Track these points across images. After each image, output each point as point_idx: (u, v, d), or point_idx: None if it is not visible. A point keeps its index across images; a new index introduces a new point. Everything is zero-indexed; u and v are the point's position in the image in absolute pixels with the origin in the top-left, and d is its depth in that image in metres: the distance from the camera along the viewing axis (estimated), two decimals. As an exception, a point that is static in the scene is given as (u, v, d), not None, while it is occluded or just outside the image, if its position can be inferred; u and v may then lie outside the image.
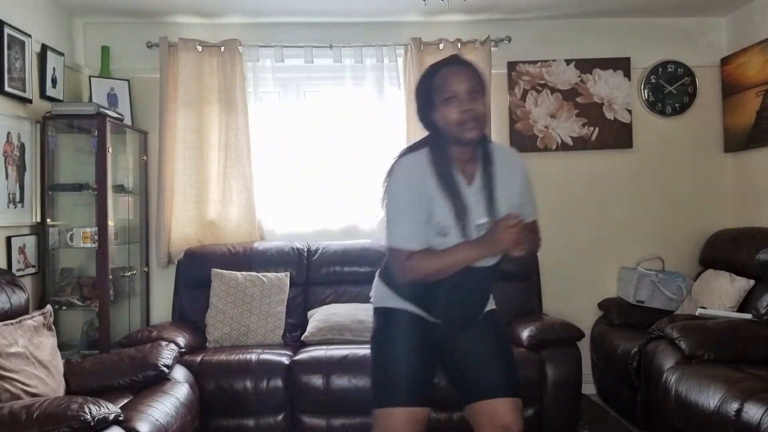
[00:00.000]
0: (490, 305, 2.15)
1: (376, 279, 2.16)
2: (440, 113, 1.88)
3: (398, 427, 1.94)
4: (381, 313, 2.11)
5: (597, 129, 4.22)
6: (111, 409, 2.19)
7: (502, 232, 1.84)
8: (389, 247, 1.97)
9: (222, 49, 4.00)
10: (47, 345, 2.62)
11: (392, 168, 1.96)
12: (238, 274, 3.71)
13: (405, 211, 1.91)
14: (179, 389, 2.80)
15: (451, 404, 3.03)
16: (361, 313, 3.47)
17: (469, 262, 1.91)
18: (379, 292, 2.13)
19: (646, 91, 4.25)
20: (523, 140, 4.21)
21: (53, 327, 2.74)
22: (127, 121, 3.95)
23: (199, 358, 3.26)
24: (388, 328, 2.07)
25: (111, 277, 3.58)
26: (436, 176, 1.90)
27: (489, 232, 1.89)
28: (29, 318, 2.62)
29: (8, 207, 3.24)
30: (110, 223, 3.55)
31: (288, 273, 3.79)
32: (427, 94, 1.91)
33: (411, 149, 2.01)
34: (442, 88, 1.87)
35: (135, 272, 3.96)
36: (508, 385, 2.02)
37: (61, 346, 2.89)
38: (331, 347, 3.36)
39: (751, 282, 3.44)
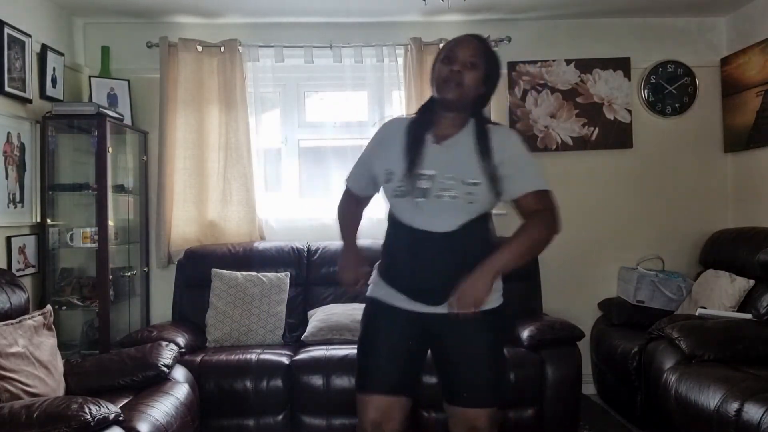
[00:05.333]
0: (494, 302, 1.99)
1: (375, 267, 2.18)
2: (436, 69, 2.01)
3: (370, 412, 2.02)
4: (368, 302, 2.15)
5: (597, 129, 4.22)
6: (111, 409, 2.19)
7: (344, 270, 2.19)
8: None
9: (222, 49, 4.00)
10: (47, 345, 2.62)
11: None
12: (238, 274, 3.71)
13: (363, 155, 2.19)
14: (179, 389, 2.80)
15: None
16: (361, 313, 3.46)
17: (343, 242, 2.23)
18: (372, 280, 2.16)
19: (646, 91, 4.25)
20: (523, 140, 4.20)
21: (53, 327, 2.74)
22: (127, 121, 3.95)
23: (199, 358, 3.26)
24: (369, 319, 2.13)
25: (111, 277, 3.58)
26: (406, 133, 2.03)
27: (346, 266, 2.19)
28: (29, 318, 2.62)
29: (8, 207, 3.24)
30: (110, 223, 3.55)
31: (288, 273, 3.78)
32: (439, 53, 2.04)
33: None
34: (448, 49, 2.01)
35: (135, 272, 3.96)
36: (488, 397, 2.00)
37: (61, 346, 2.88)
38: (331, 347, 3.36)
39: (751, 282, 3.44)
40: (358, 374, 2.11)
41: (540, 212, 1.96)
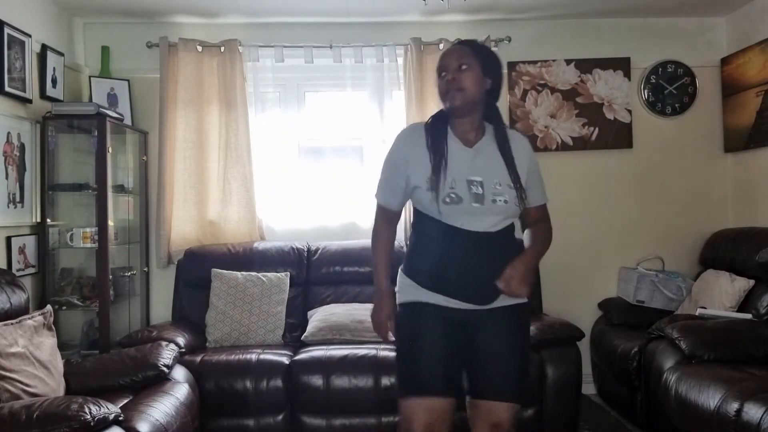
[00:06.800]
0: (521, 297, 2.07)
1: (399, 273, 2.16)
2: (437, 85, 2.10)
3: (422, 416, 2.00)
4: (403, 307, 2.12)
5: (597, 129, 4.22)
6: (111, 409, 2.20)
7: (378, 318, 2.11)
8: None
9: (222, 49, 4.00)
10: (47, 345, 2.62)
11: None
12: (238, 274, 3.71)
13: (386, 170, 2.14)
14: (179, 389, 2.80)
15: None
16: (361, 313, 3.47)
17: (375, 279, 2.15)
18: (401, 285, 2.14)
19: (646, 91, 4.25)
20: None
21: (53, 327, 2.74)
22: (127, 121, 3.95)
23: (199, 358, 3.26)
24: (409, 322, 2.10)
25: (111, 277, 3.57)
26: (427, 138, 2.06)
27: (380, 311, 2.12)
28: (29, 318, 2.62)
29: (8, 207, 3.24)
30: (110, 223, 3.55)
31: (288, 273, 3.78)
32: (437, 74, 2.11)
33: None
34: (439, 65, 2.10)
35: (135, 272, 3.96)
36: (514, 392, 2.06)
37: (61, 346, 2.89)
38: (331, 347, 3.36)
39: (751, 282, 3.44)
40: (405, 379, 2.08)
41: (543, 221, 2.19)
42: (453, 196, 1.98)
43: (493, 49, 4.08)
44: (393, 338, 2.12)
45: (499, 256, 2.02)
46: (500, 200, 2.00)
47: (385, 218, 2.18)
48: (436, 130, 2.08)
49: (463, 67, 2.03)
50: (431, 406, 2.00)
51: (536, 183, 2.15)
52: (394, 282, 2.17)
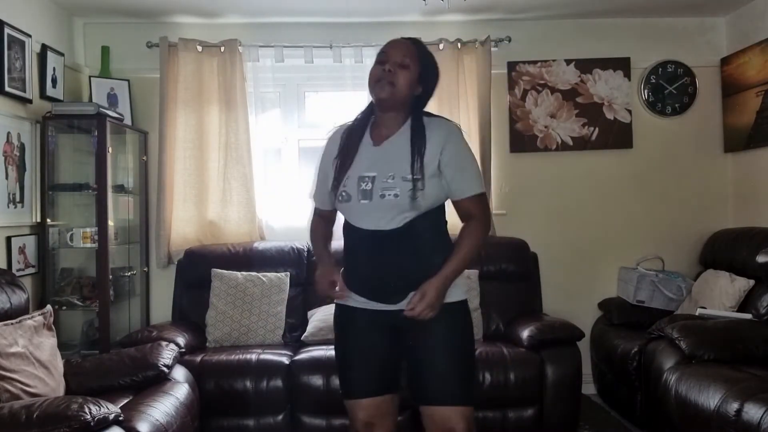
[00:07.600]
0: (455, 295, 2.01)
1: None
2: (371, 72, 2.05)
3: (360, 415, 2.05)
4: (336, 308, 2.16)
5: (597, 129, 4.22)
6: (111, 409, 2.19)
7: (320, 279, 2.08)
8: None
9: (222, 49, 4.00)
10: (47, 345, 2.62)
11: None
12: (238, 274, 3.71)
13: (318, 169, 2.18)
14: (179, 389, 2.80)
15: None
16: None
17: (317, 261, 2.19)
18: (339, 285, 2.14)
19: (646, 91, 4.25)
20: (523, 140, 4.21)
21: (53, 327, 2.74)
22: (127, 121, 3.95)
23: (199, 358, 3.26)
24: (337, 325, 2.15)
25: (111, 277, 3.58)
26: (342, 139, 2.10)
27: (321, 274, 2.09)
28: (29, 318, 2.62)
29: (8, 207, 3.24)
30: (110, 223, 3.55)
31: (288, 273, 3.78)
32: (376, 59, 2.08)
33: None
34: (381, 52, 2.06)
35: (135, 272, 3.96)
36: (458, 393, 1.97)
37: (61, 346, 2.88)
38: (331, 347, 3.30)
39: (751, 282, 3.44)
40: (340, 381, 2.15)
41: (475, 218, 2.02)
42: (344, 194, 2.01)
43: (493, 49, 4.08)
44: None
45: (405, 253, 1.96)
46: (389, 194, 1.93)
47: (320, 215, 2.24)
48: (354, 131, 2.09)
49: (403, 64, 1.99)
50: (366, 405, 2.04)
51: (461, 172, 1.99)
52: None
